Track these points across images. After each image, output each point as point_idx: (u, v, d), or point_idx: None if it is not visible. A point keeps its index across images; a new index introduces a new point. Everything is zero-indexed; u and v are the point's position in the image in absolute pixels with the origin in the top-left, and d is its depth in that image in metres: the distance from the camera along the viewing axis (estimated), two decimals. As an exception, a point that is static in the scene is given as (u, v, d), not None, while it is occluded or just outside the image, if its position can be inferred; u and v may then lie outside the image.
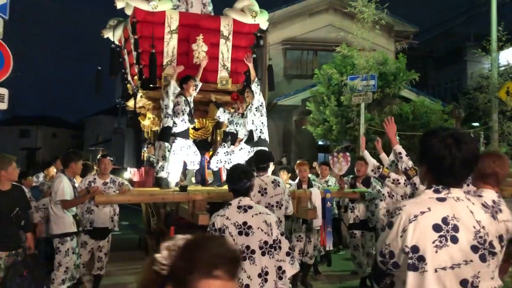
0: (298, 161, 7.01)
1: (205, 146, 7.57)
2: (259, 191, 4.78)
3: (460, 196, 1.78)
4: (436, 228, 1.69)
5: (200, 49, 7.43)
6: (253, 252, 2.85)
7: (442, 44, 31.99)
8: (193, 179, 7.17)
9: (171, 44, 7.32)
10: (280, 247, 2.92)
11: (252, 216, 2.94)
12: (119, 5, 7.40)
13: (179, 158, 6.49)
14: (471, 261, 1.68)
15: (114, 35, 7.94)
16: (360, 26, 10.92)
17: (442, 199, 1.76)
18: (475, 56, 13.25)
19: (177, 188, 5.96)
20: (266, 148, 6.39)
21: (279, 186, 4.90)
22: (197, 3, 7.95)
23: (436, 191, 1.79)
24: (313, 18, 16.51)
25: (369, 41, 11.07)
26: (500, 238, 1.80)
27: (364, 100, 10.27)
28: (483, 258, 1.70)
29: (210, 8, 8.08)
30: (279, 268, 2.90)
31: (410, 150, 11.00)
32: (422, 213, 1.72)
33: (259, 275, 2.84)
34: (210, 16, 7.89)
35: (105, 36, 8.16)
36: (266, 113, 7.10)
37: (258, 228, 2.90)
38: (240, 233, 2.88)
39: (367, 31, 10.95)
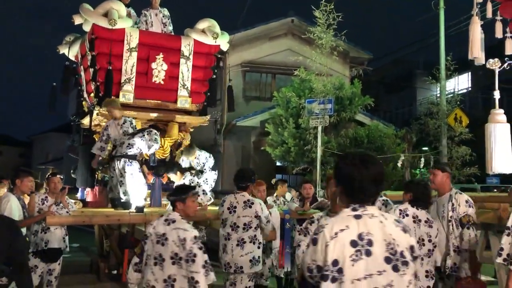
0: (258, 180, 7.01)
1: (163, 166, 7.44)
2: (228, 208, 4.74)
3: (374, 213, 1.97)
4: (353, 243, 1.88)
5: (160, 68, 7.39)
6: (163, 260, 3.30)
7: (394, 71, 33.36)
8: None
9: (129, 62, 7.24)
10: (193, 260, 3.24)
11: (171, 230, 3.34)
12: (77, 21, 7.28)
13: (137, 180, 6.33)
14: (384, 271, 1.87)
15: (70, 51, 7.76)
16: (318, 51, 11.23)
17: (358, 216, 1.94)
18: (425, 83, 13.91)
19: (133, 210, 5.82)
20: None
21: (250, 207, 4.75)
22: (157, 22, 7.95)
23: (354, 209, 1.97)
24: (272, 42, 16.86)
25: (326, 66, 11.39)
26: (411, 248, 1.95)
27: (321, 123, 10.49)
28: (395, 268, 1.88)
29: (170, 28, 8.10)
30: (192, 278, 3.23)
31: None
32: (342, 230, 1.90)
33: (165, 281, 3.28)
34: (171, 35, 7.89)
35: (61, 52, 7.97)
36: (225, 133, 7.12)
37: (172, 240, 3.30)
38: (157, 242, 3.35)
39: (324, 56, 11.27)
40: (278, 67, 16.35)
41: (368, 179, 1.97)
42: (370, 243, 1.88)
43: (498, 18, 5.78)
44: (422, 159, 11.46)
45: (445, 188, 4.40)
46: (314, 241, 1.94)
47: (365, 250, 1.87)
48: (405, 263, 1.90)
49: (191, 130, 8.12)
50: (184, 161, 6.97)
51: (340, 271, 1.85)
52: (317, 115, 10.49)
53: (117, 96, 7.09)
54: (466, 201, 4.28)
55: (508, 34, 5.75)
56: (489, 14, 5.75)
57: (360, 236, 1.88)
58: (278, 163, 14.24)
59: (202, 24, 7.87)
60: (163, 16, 8.10)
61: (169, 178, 7.14)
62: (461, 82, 30.11)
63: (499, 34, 5.84)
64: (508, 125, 5.37)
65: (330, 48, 11.18)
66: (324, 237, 1.90)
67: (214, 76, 8.11)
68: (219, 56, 8.49)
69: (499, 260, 3.33)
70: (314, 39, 11.27)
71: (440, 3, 12.47)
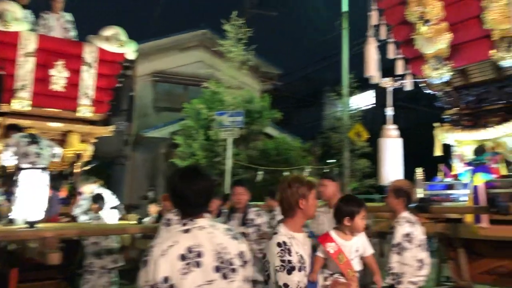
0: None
1: (61, 178, 6.99)
2: None
3: (204, 224, 2.04)
4: (182, 257, 1.92)
5: (59, 75, 6.98)
6: None
7: (305, 86, 34.74)
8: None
9: (26, 68, 6.74)
10: None
11: None
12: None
13: (31, 192, 5.86)
14: (214, 280, 1.95)
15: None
16: (229, 64, 11.35)
17: (187, 231, 2.00)
18: (331, 99, 14.62)
19: (25, 225, 5.36)
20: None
21: None
22: (59, 27, 7.51)
23: (183, 224, 2.03)
24: (184, 53, 16.71)
25: (237, 80, 11.54)
26: (241, 255, 2.05)
27: (231, 136, 10.56)
28: (224, 276, 1.98)
29: (72, 33, 7.69)
30: None
31: (273, 184, 11.60)
32: (171, 246, 1.94)
33: None
34: (72, 41, 7.49)
35: None
36: (134, 144, 6.93)
37: None
38: None
39: (235, 70, 11.41)
40: (189, 79, 16.23)
41: (195, 192, 2.02)
42: (199, 254, 1.94)
43: (391, 40, 6.29)
44: (326, 171, 11.97)
45: (336, 199, 4.55)
46: (145, 263, 1.95)
47: (195, 262, 1.92)
48: (234, 270, 1.99)
49: (95, 140, 7.74)
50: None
51: (173, 287, 1.88)
52: (227, 127, 10.54)
53: (9, 103, 6.55)
54: None
55: (400, 56, 6.27)
56: (383, 36, 6.23)
57: (189, 250, 1.93)
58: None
59: (108, 31, 7.58)
60: (65, 21, 7.67)
61: (70, 191, 6.77)
62: (367, 99, 32.18)
63: (391, 55, 6.35)
64: (400, 139, 5.81)
65: (240, 62, 11.35)
66: (154, 256, 1.93)
67: (119, 85, 7.82)
68: (126, 64, 8.23)
69: (388, 280, 3.41)
70: (225, 52, 11.39)
71: (344, 24, 13.25)
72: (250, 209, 4.71)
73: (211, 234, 2.01)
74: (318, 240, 2.70)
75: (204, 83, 12.46)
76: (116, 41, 7.46)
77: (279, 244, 2.46)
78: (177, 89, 16.91)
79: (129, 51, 7.76)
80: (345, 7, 13.09)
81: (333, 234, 2.76)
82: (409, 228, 3.47)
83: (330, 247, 2.66)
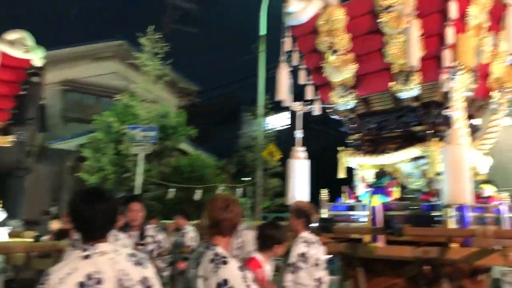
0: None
1: None
2: None
3: (106, 249, 1.98)
4: (81, 285, 1.86)
5: (-48, 78, 6.38)
6: None
7: (224, 104, 34.96)
8: None
9: None
10: None
11: None
12: None
13: None
14: None
15: None
16: (145, 78, 11.13)
17: (87, 257, 1.94)
18: (247, 118, 14.86)
19: None
20: None
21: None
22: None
23: (84, 250, 1.96)
24: (98, 63, 16.13)
25: (152, 94, 11.33)
26: (144, 280, 2.00)
27: (143, 151, 10.30)
28: None
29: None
30: None
31: (186, 202, 11.47)
32: (69, 274, 1.88)
33: None
34: (-30, 43, 6.90)
35: None
36: (38, 156, 6.45)
37: None
38: None
39: (150, 83, 11.21)
40: (102, 90, 15.66)
41: (96, 215, 1.96)
42: (99, 282, 1.88)
43: (302, 66, 6.57)
44: (240, 190, 12.09)
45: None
46: None
47: None
48: None
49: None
50: None
51: None
52: (139, 142, 10.28)
53: None
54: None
55: (310, 82, 6.55)
56: (295, 62, 6.48)
57: (89, 277, 1.88)
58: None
59: (12, 35, 7.09)
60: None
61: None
62: (282, 119, 33.15)
63: (302, 80, 6.61)
64: (307, 161, 6.03)
65: (156, 76, 11.18)
66: (51, 285, 1.86)
67: (23, 93, 7.33)
68: (32, 71, 7.74)
69: None
70: (140, 65, 11.16)
71: (261, 47, 13.61)
72: (147, 226, 4.59)
73: (113, 260, 1.95)
74: (246, 265, 2.67)
75: (118, 95, 12.09)
76: (21, 46, 7.00)
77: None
78: (88, 100, 16.23)
79: (36, 57, 7.31)
80: (263, 30, 13.47)
81: (260, 258, 2.77)
82: (305, 248, 3.58)
83: (259, 272, 2.65)
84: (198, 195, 10.84)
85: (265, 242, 2.85)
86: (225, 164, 13.56)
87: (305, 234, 3.69)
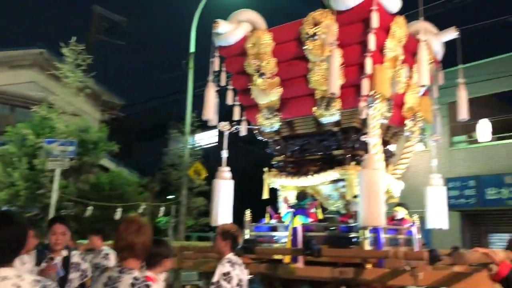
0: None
1: None
2: None
3: (8, 275, 1.91)
4: None
5: None
6: None
7: (150, 119, 34.22)
8: None
9: None
10: None
11: None
12: None
13: None
14: None
15: None
16: (65, 90, 10.61)
17: None
18: (174, 135, 14.63)
19: None
20: None
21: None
22: None
23: None
24: (15, 71, 15.15)
25: (73, 106, 10.80)
26: None
27: (60, 166, 9.74)
28: None
29: None
30: None
31: (105, 221, 10.96)
32: None
33: None
34: None
35: None
36: None
37: None
38: None
39: (71, 95, 10.70)
40: (18, 99, 14.69)
41: (0, 240, 1.91)
42: None
43: (230, 87, 6.63)
44: (163, 208, 11.80)
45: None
46: None
47: None
48: None
49: None
50: None
51: None
52: (56, 157, 9.72)
53: None
54: None
55: (237, 102, 6.61)
56: (222, 83, 6.52)
57: None
58: (4, 208, 12.42)
59: None
60: None
61: None
62: (210, 137, 33.02)
63: (229, 101, 6.66)
64: (231, 182, 6.03)
65: (78, 88, 10.71)
66: None
67: None
68: None
69: None
70: (61, 76, 10.63)
71: (190, 64, 13.56)
72: (73, 252, 4.25)
73: (16, 286, 1.88)
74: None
75: (35, 106, 11.39)
76: None
77: None
78: (2, 110, 15.14)
79: None
80: (192, 48, 13.46)
81: (152, 275, 2.80)
82: (229, 268, 3.64)
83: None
84: (118, 214, 10.42)
85: (154, 259, 2.93)
86: (148, 182, 13.19)
87: (230, 256, 3.76)
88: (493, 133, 13.61)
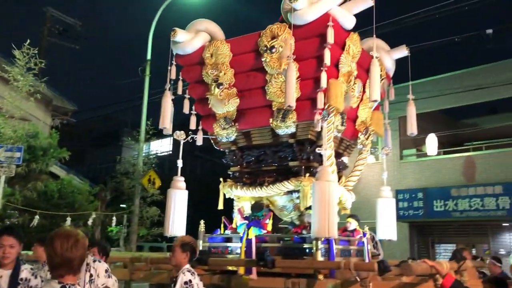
0: None
1: None
2: None
3: None
4: None
5: None
6: None
7: (104, 126, 33.41)
8: None
9: None
10: None
11: None
12: None
13: None
14: None
15: None
16: (14, 93, 10.16)
17: None
18: (128, 143, 14.31)
19: None
20: None
21: None
22: None
23: None
24: (-42, 72, 14.36)
25: (22, 111, 10.36)
26: None
27: (6, 173, 9.29)
28: None
29: None
30: None
31: (53, 230, 10.48)
32: None
33: None
34: None
35: None
36: None
37: None
38: None
39: (20, 100, 10.26)
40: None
41: None
42: None
43: (187, 96, 6.59)
44: (114, 218, 11.49)
45: None
46: None
47: None
48: None
49: None
50: None
51: None
52: (2, 163, 9.26)
53: None
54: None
55: (193, 112, 6.58)
56: (179, 91, 6.47)
57: None
58: None
59: None
60: None
61: None
62: (165, 146, 32.60)
63: (186, 110, 6.62)
64: (186, 191, 5.97)
65: (28, 92, 10.28)
66: None
67: None
68: None
69: None
70: (10, 79, 10.18)
71: (147, 71, 13.37)
72: (23, 266, 3.93)
73: None
74: None
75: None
76: None
77: None
78: None
79: None
80: (149, 55, 13.30)
81: None
82: (191, 277, 3.66)
83: None
84: (67, 223, 10.04)
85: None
86: (100, 190, 12.81)
87: (189, 266, 3.76)
88: (440, 147, 14.23)
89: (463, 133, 15.14)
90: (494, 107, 17.49)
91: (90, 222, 10.73)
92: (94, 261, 3.93)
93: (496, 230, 13.69)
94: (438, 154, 14.12)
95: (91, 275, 3.83)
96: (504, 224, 13.44)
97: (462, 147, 14.62)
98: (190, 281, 3.66)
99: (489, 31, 11.68)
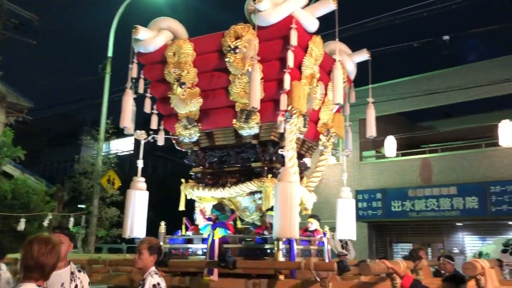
0: None
1: None
2: None
3: None
4: None
5: None
6: None
7: (62, 124, 32.38)
8: None
9: None
10: None
11: None
12: None
13: None
14: None
15: None
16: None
17: None
18: (87, 142, 13.93)
19: None
20: None
21: None
22: None
23: None
24: None
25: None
26: None
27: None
28: None
29: None
30: None
31: (4, 232, 10.11)
32: None
33: None
34: None
35: None
36: None
37: None
38: None
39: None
40: None
41: None
42: None
43: (148, 95, 6.48)
44: (72, 219, 11.16)
45: None
46: None
47: None
48: None
49: None
50: None
51: None
52: (-50, 162, 8.83)
53: None
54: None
55: (155, 111, 6.48)
56: (140, 90, 6.35)
57: None
58: None
59: None
60: None
61: None
62: (126, 145, 31.89)
63: (147, 109, 6.50)
64: (147, 192, 5.86)
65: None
66: None
67: None
68: None
69: None
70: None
71: (107, 69, 13.07)
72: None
73: None
74: None
75: None
76: None
77: None
78: None
79: None
80: (110, 52, 13.00)
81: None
82: (158, 279, 3.59)
83: None
84: (21, 225, 9.67)
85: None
86: (57, 190, 12.40)
87: (154, 268, 3.70)
88: (399, 149, 14.65)
89: (420, 136, 15.66)
90: (448, 111, 18.20)
91: (46, 223, 10.37)
92: (79, 271, 3.77)
93: (450, 229, 14.22)
94: (397, 155, 14.54)
95: (76, 286, 3.68)
96: (457, 224, 13.97)
97: (419, 149, 15.12)
98: (159, 283, 3.59)
99: (446, 37, 12.10)
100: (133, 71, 6.09)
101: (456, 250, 13.39)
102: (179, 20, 6.34)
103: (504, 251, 9.32)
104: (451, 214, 13.00)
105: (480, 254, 9.47)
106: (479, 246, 12.40)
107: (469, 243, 13.92)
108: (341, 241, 8.23)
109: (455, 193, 12.95)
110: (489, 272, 4.20)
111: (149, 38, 6.03)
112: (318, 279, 4.26)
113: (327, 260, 5.64)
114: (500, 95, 13.44)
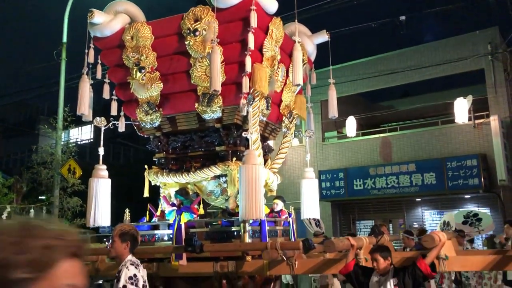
0: None
1: None
2: None
3: None
4: None
5: None
6: None
7: (16, 113, 31.18)
8: None
9: None
10: None
11: None
12: None
13: None
14: None
15: None
16: None
17: None
18: (45, 131, 13.46)
19: None
20: None
21: None
22: None
23: None
24: None
25: None
26: None
27: None
28: None
29: None
30: None
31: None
32: None
33: None
34: None
35: None
36: None
37: None
38: None
39: None
40: None
41: None
42: None
43: (107, 80, 6.32)
44: (32, 210, 10.84)
45: None
46: None
47: None
48: None
49: None
50: None
51: None
52: None
53: None
54: None
55: (114, 97, 6.33)
56: (98, 76, 6.18)
57: None
58: None
59: None
60: None
61: None
62: (85, 133, 31.06)
63: (106, 95, 6.35)
64: (109, 180, 5.76)
65: None
66: None
67: None
68: None
69: None
70: None
71: (63, 54, 12.61)
72: None
73: None
74: None
75: None
76: None
77: None
78: None
79: None
80: (65, 37, 12.53)
81: None
82: (135, 270, 3.49)
83: None
84: (-23, 218, 9.33)
85: None
86: (14, 182, 11.98)
87: (131, 257, 3.56)
88: (359, 129, 14.96)
89: (379, 115, 16.03)
90: (406, 90, 18.69)
91: (4, 216, 10.02)
92: None
93: (410, 205, 14.74)
94: (357, 135, 14.86)
95: None
96: (417, 200, 14.49)
97: (379, 129, 15.49)
98: (135, 275, 3.44)
99: (402, 18, 12.35)
100: (90, 56, 5.91)
101: (416, 225, 13.92)
102: (136, 3, 6.18)
103: (464, 223, 9.76)
104: (410, 190, 13.45)
105: (444, 223, 9.92)
106: (438, 220, 12.92)
107: (428, 217, 14.49)
108: (314, 220, 8.39)
109: (414, 170, 13.38)
110: (447, 243, 4.39)
111: (106, 21, 5.85)
112: (285, 258, 4.34)
113: (293, 240, 5.75)
114: (455, 73, 13.90)
